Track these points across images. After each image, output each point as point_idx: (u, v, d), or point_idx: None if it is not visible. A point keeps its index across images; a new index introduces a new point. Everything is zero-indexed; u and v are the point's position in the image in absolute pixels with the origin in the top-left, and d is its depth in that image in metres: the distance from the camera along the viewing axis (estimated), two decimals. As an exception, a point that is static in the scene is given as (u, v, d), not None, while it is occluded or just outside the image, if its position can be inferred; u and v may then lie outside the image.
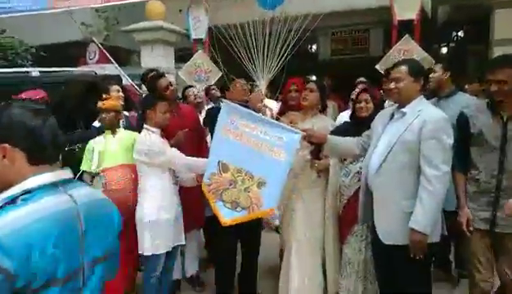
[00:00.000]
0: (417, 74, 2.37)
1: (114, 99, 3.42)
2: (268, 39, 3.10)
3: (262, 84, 3.25)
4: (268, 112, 3.23)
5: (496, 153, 2.43)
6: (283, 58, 3.16)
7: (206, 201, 3.15)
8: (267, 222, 3.88)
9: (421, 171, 2.24)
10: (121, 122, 3.72)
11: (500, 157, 2.43)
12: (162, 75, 3.59)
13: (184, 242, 3.15)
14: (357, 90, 4.34)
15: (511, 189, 2.42)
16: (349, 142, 2.74)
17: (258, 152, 2.72)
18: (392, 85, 2.39)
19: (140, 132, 3.03)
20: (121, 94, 3.74)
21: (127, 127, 3.72)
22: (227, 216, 2.75)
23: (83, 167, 3.24)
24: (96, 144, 3.26)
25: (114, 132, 3.30)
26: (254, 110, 3.14)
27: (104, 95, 3.44)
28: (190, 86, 4.38)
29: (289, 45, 3.14)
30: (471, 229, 2.53)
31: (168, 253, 3.03)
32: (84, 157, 3.27)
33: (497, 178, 2.44)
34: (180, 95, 4.67)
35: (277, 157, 2.69)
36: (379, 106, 3.04)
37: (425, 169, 2.22)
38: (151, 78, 3.55)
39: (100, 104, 3.27)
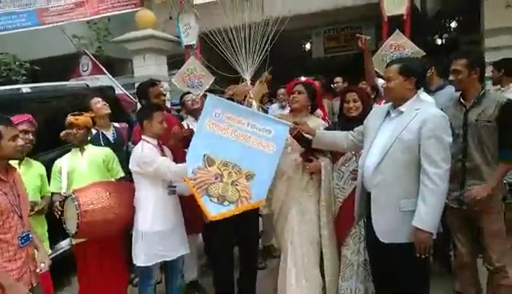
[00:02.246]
0: (408, 74, 2.36)
1: (86, 116, 3.27)
2: (249, 39, 3.17)
3: (247, 76, 3.26)
4: (254, 104, 3.22)
5: (460, 140, 2.67)
6: (263, 52, 3.24)
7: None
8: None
9: (422, 170, 2.24)
10: (111, 133, 3.72)
11: (463, 142, 2.68)
12: (154, 83, 3.63)
13: (188, 251, 3.15)
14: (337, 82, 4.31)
15: (474, 171, 2.67)
16: (338, 135, 2.78)
17: (245, 145, 2.72)
18: (385, 84, 2.43)
19: (127, 143, 3.02)
20: (104, 104, 3.69)
21: (116, 139, 3.73)
22: (214, 211, 2.75)
23: (52, 189, 3.08)
24: (64, 163, 3.12)
25: (82, 150, 3.19)
26: (240, 103, 3.14)
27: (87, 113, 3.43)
28: (189, 93, 4.33)
29: (268, 41, 3.20)
30: None
31: (170, 261, 3.04)
32: (52, 178, 3.11)
33: (462, 161, 2.69)
34: (178, 101, 4.69)
35: (266, 149, 2.70)
36: (367, 104, 3.03)
37: (427, 167, 2.21)
38: (144, 86, 3.56)
39: (72, 118, 3.14)
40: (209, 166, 2.74)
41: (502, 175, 2.64)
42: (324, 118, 3.39)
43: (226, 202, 2.73)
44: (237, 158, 2.72)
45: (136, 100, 4.66)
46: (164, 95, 3.63)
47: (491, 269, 2.68)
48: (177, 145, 3.31)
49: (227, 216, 2.75)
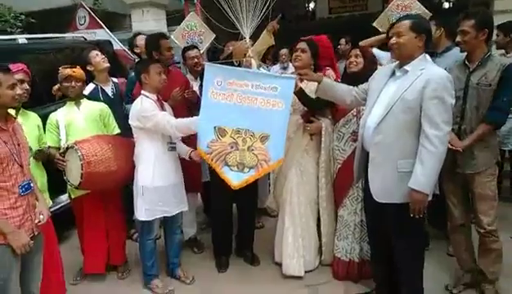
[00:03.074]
0: (420, 30, 2.30)
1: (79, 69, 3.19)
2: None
3: (247, 34, 3.17)
4: (254, 62, 3.15)
5: (460, 103, 2.64)
6: (264, 10, 3.14)
7: (205, 165, 3.16)
8: None
9: (422, 131, 2.21)
10: (110, 88, 3.66)
11: (462, 105, 2.66)
12: (166, 36, 3.55)
13: (187, 208, 3.18)
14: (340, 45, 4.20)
15: (470, 134, 2.64)
16: (344, 88, 2.72)
17: (253, 107, 2.69)
18: (393, 40, 2.32)
19: (126, 98, 2.97)
20: (103, 57, 3.59)
21: (115, 94, 3.67)
22: (236, 179, 2.76)
23: (49, 143, 3.03)
24: (60, 116, 3.07)
25: (78, 103, 3.15)
26: (240, 64, 3.07)
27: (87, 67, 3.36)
28: (193, 48, 4.08)
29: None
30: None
31: (169, 217, 3.08)
32: (47, 131, 3.06)
33: (459, 124, 2.68)
34: (178, 58, 4.56)
35: (275, 107, 2.67)
36: (370, 62, 2.98)
37: (427, 129, 2.19)
38: (156, 38, 3.41)
39: (69, 71, 3.08)
40: (222, 137, 2.73)
41: (482, 135, 2.60)
42: (336, 80, 3.32)
43: (246, 169, 2.73)
44: (248, 122, 2.70)
45: (135, 56, 4.56)
46: (172, 48, 3.52)
47: (482, 232, 2.71)
48: (179, 106, 3.27)
49: (250, 181, 2.77)
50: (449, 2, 10.33)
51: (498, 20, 4.33)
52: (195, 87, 3.71)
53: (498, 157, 2.80)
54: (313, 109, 3.09)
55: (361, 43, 3.66)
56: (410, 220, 2.28)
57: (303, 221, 3.14)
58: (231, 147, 2.73)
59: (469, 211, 2.86)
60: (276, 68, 5.64)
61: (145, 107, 2.85)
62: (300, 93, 2.90)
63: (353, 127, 2.97)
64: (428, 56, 2.38)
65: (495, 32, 3.95)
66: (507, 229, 3.45)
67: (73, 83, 3.09)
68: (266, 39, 3.56)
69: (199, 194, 3.96)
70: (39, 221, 2.22)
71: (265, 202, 4.33)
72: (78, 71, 3.13)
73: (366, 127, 2.46)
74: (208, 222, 4.09)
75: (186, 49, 4.10)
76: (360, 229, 3.03)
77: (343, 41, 5.59)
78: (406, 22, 2.32)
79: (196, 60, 3.88)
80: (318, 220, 3.21)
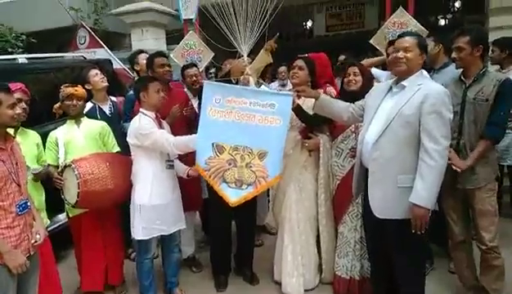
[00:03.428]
0: (422, 49, 2.37)
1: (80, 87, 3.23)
2: (248, 14, 3.12)
3: (244, 52, 3.22)
4: (252, 80, 3.17)
5: (457, 118, 2.65)
6: (261, 28, 3.19)
7: (204, 183, 3.15)
8: None
9: (422, 146, 2.22)
10: (108, 107, 3.67)
11: (460, 120, 2.68)
12: (162, 54, 3.61)
13: (185, 226, 3.16)
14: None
15: (468, 149, 2.66)
16: (341, 105, 2.74)
17: (251, 124, 2.70)
18: (401, 54, 2.34)
19: (124, 117, 2.97)
20: (102, 77, 3.62)
21: (113, 113, 3.68)
22: (234, 196, 2.75)
23: (48, 161, 3.04)
24: (60, 135, 3.08)
25: (78, 122, 3.17)
26: (237, 81, 3.09)
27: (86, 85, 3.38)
28: (192, 66, 4.11)
29: (266, 16, 3.14)
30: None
31: (167, 236, 3.05)
32: (47, 149, 3.07)
33: (457, 139, 2.69)
34: (177, 77, 4.59)
35: (273, 124, 2.69)
36: (367, 80, 3.00)
37: (426, 143, 2.19)
38: (150, 56, 3.54)
39: (71, 89, 3.11)
40: (220, 153, 2.73)
41: (483, 152, 2.61)
42: (337, 97, 3.34)
43: (244, 186, 2.73)
44: (246, 139, 2.71)
45: (134, 75, 4.60)
46: (169, 65, 3.55)
47: (484, 248, 2.69)
48: (177, 124, 3.29)
49: (248, 198, 2.76)
50: (445, 20, 10.49)
51: (493, 37, 4.40)
52: (194, 105, 3.73)
53: (497, 172, 2.80)
54: (311, 125, 3.10)
55: (363, 63, 3.69)
56: (411, 236, 2.27)
57: (303, 239, 3.12)
58: (229, 164, 2.73)
59: (469, 227, 2.85)
60: (275, 85, 5.68)
61: (143, 125, 2.85)
62: (298, 110, 2.92)
63: (352, 143, 2.97)
64: (425, 72, 2.41)
65: (490, 48, 4.00)
66: (509, 245, 3.41)
67: (74, 102, 3.11)
68: (264, 57, 3.59)
69: (197, 212, 3.93)
70: (36, 241, 2.20)
71: (264, 219, 4.31)
72: (80, 90, 3.16)
73: (364, 143, 2.46)
74: (206, 240, 4.05)
75: (185, 67, 4.14)
76: (360, 246, 3.00)
77: (341, 58, 5.62)
78: (413, 39, 2.36)
79: (195, 77, 3.91)
80: (318, 237, 3.18)
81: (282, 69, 5.54)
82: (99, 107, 3.60)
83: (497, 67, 4.21)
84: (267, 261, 3.44)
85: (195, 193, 3.45)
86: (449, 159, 2.50)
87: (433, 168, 2.18)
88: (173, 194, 3.03)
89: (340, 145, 3.06)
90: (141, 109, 2.97)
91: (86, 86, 3.46)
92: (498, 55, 4.11)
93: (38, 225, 2.27)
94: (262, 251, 3.79)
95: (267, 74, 5.38)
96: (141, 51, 4.39)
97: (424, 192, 2.19)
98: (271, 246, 3.62)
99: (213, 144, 2.74)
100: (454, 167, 2.57)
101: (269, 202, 3.94)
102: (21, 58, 4.24)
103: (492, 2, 5.91)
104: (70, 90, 3.11)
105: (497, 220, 2.70)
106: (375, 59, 4.11)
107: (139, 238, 2.94)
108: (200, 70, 4.88)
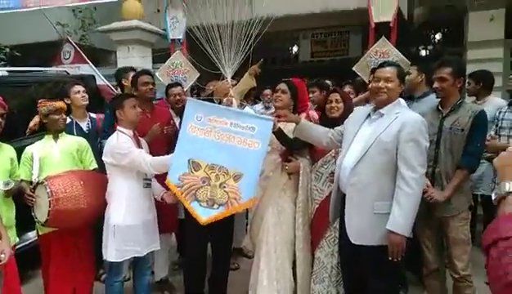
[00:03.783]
0: (402, 78, 2.45)
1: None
2: (234, 37, 3.15)
3: (228, 74, 3.23)
4: (235, 102, 3.19)
5: (433, 146, 2.70)
6: (246, 51, 3.22)
7: (179, 204, 3.11)
8: None
9: (399, 173, 2.25)
10: (86, 124, 3.64)
11: (436, 149, 2.72)
12: (146, 72, 3.63)
13: (159, 248, 3.09)
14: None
15: (443, 177, 2.71)
16: (320, 130, 2.78)
17: (230, 145, 2.68)
18: (382, 84, 2.40)
19: (103, 134, 2.94)
20: (83, 95, 3.61)
21: (91, 130, 3.64)
22: (204, 215, 2.70)
23: (22, 176, 2.97)
24: (36, 150, 3.01)
25: (56, 137, 3.11)
26: (220, 102, 3.10)
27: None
28: (177, 85, 4.14)
29: (251, 41, 3.18)
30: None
31: (140, 258, 2.97)
32: (22, 164, 2.99)
33: (432, 167, 2.73)
34: (161, 95, 4.58)
35: (251, 147, 2.67)
36: (348, 107, 3.04)
37: (403, 171, 2.22)
38: (135, 73, 3.56)
39: (61, 103, 3.09)
40: (195, 170, 2.70)
41: (459, 182, 2.66)
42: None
43: (215, 206, 2.69)
44: (223, 159, 2.69)
45: (118, 91, 4.57)
46: (153, 84, 3.55)
47: (456, 277, 2.71)
48: (157, 142, 3.27)
49: (219, 218, 2.71)
50: (426, 50, 10.80)
51: (470, 69, 4.55)
52: (177, 124, 3.72)
53: (471, 201, 2.84)
54: (292, 148, 3.11)
55: (354, 100, 3.76)
56: (387, 263, 2.28)
57: (279, 263, 3.07)
58: (203, 182, 2.70)
59: (443, 255, 2.87)
60: (259, 107, 5.71)
61: (120, 144, 2.81)
62: (279, 133, 2.93)
63: (332, 168, 2.98)
64: (402, 101, 2.47)
65: (467, 80, 4.13)
66: (481, 274, 3.40)
67: (63, 116, 3.09)
68: (248, 81, 3.62)
69: (173, 234, 3.87)
70: (0, 261, 2.11)
71: (242, 241, 4.25)
72: (63, 104, 3.15)
73: (342, 168, 2.48)
74: (181, 263, 3.97)
75: (169, 86, 4.15)
76: (337, 271, 2.98)
77: (328, 83, 5.66)
78: (394, 69, 2.43)
79: (178, 97, 3.92)
80: (294, 261, 3.14)
81: (267, 91, 5.58)
82: (76, 123, 3.57)
83: (473, 98, 4.33)
84: (243, 286, 3.37)
85: (171, 214, 3.40)
86: (425, 192, 2.55)
87: (410, 196, 2.21)
88: (149, 214, 2.97)
89: (320, 169, 3.07)
90: (118, 127, 2.92)
91: (65, 100, 3.42)
92: (473, 87, 4.25)
93: (4, 244, 2.18)
94: (238, 275, 3.73)
95: (251, 96, 5.41)
96: (131, 69, 4.38)
97: (401, 219, 2.21)
98: (247, 270, 3.56)
99: (189, 161, 2.71)
100: (431, 199, 2.61)
101: (247, 224, 3.91)
102: (2, 71, 4.18)
103: (470, 36, 6.14)
104: (60, 104, 3.08)
105: (470, 249, 2.72)
106: (363, 96, 4.20)
107: (111, 261, 2.85)
108: (185, 90, 4.90)
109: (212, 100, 3.29)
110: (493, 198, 1.11)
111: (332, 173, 2.94)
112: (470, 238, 2.74)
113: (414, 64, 3.59)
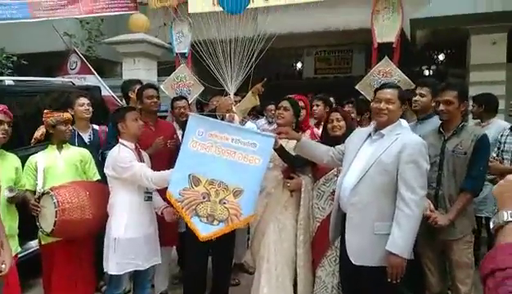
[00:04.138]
0: (403, 101, 2.46)
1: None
2: (237, 53, 3.17)
3: (231, 90, 3.25)
4: (237, 118, 3.21)
5: (435, 169, 2.70)
6: (249, 67, 3.24)
7: (180, 218, 3.11)
8: None
9: (399, 194, 2.26)
10: (88, 135, 3.66)
11: (439, 171, 2.72)
12: (151, 86, 3.66)
13: (160, 262, 3.09)
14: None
15: (446, 200, 2.69)
16: (321, 148, 2.80)
17: (231, 160, 2.69)
18: (383, 105, 2.41)
19: (106, 145, 2.96)
20: (87, 108, 3.64)
21: (92, 141, 3.66)
22: (204, 231, 2.69)
23: (26, 186, 2.96)
24: (40, 160, 3.01)
25: (60, 148, 3.12)
26: (223, 118, 3.14)
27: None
28: (182, 98, 4.19)
29: (254, 57, 3.20)
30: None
31: (140, 271, 2.96)
32: (25, 174, 2.98)
33: (435, 190, 2.72)
34: (165, 107, 4.62)
35: (252, 163, 2.68)
36: (350, 124, 3.07)
37: (404, 193, 2.23)
38: (141, 87, 3.61)
39: (69, 114, 3.13)
40: (196, 185, 2.70)
41: (463, 205, 2.66)
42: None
43: (215, 222, 2.68)
44: (223, 174, 2.69)
45: (123, 103, 4.60)
46: (158, 97, 3.60)
47: None
48: (160, 155, 3.28)
49: (218, 235, 2.70)
50: (429, 70, 10.88)
51: (474, 91, 4.59)
52: (180, 136, 3.75)
53: (475, 224, 2.84)
54: (293, 166, 3.12)
55: None
56: (387, 284, 2.26)
57: (280, 281, 3.05)
58: (203, 197, 2.70)
59: (446, 278, 2.84)
60: (262, 122, 5.74)
61: (122, 157, 2.82)
62: (281, 150, 2.95)
63: (333, 186, 2.98)
64: (404, 122, 2.49)
65: (470, 102, 4.17)
66: (484, 297, 3.40)
67: (70, 127, 3.12)
68: (251, 100, 3.65)
69: (174, 247, 3.85)
70: (0, 271, 2.11)
71: (242, 257, 4.23)
72: (70, 115, 3.18)
73: (342, 188, 2.49)
74: (181, 277, 3.95)
75: (175, 99, 4.20)
76: (337, 291, 2.95)
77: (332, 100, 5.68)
78: (395, 90, 2.45)
79: (183, 110, 3.95)
80: (295, 279, 3.13)
81: (270, 107, 5.61)
82: (78, 134, 3.59)
83: (478, 121, 4.37)
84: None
85: (172, 228, 3.38)
86: (429, 217, 2.55)
87: (410, 217, 2.22)
88: (150, 228, 2.97)
89: (322, 187, 3.08)
90: (120, 140, 2.94)
91: (69, 111, 3.45)
92: (477, 109, 4.29)
93: (5, 254, 2.17)
94: (238, 291, 3.70)
95: (254, 111, 5.46)
96: (137, 82, 4.43)
97: (401, 241, 2.21)
98: (247, 285, 3.54)
99: (189, 176, 2.72)
100: (434, 224, 2.60)
101: (249, 239, 3.89)
102: (8, 80, 4.22)
103: (473, 58, 6.20)
104: (68, 115, 3.11)
105: (473, 273, 2.70)
106: None
107: (112, 273, 2.85)
108: (190, 103, 4.95)
109: (214, 116, 3.32)
110: (491, 226, 1.10)
111: (334, 191, 2.94)
112: (474, 262, 2.73)
113: (425, 85, 3.53)
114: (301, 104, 3.39)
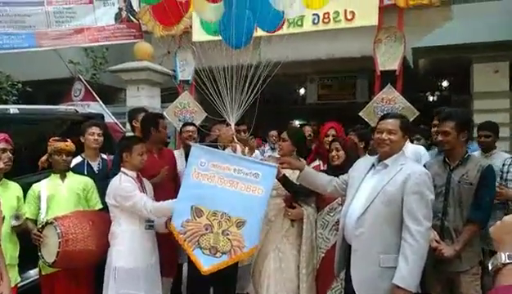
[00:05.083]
0: (406, 131, 2.44)
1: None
2: (240, 82, 3.17)
3: (232, 121, 3.25)
4: (239, 148, 3.19)
5: (441, 199, 2.68)
6: (251, 97, 3.23)
7: (180, 249, 3.05)
8: None
9: (404, 226, 2.22)
10: (97, 164, 3.64)
11: (444, 201, 2.69)
12: (162, 116, 3.76)
13: (161, 293, 3.02)
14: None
15: (452, 230, 2.66)
16: (324, 178, 2.78)
17: (233, 191, 2.67)
18: (385, 136, 2.40)
19: (112, 172, 2.94)
20: (97, 137, 3.62)
21: (101, 170, 3.64)
22: (207, 264, 2.65)
23: (27, 215, 2.92)
24: (43, 188, 3.00)
25: (63, 176, 3.11)
26: (224, 148, 3.12)
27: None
28: (191, 124, 4.24)
29: (258, 85, 3.20)
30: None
31: None
32: (27, 202, 2.95)
33: (441, 220, 2.70)
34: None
35: (255, 193, 2.65)
36: (350, 151, 3.06)
37: (409, 224, 2.20)
38: (155, 116, 3.65)
39: (62, 144, 3.09)
40: (198, 217, 2.67)
41: (470, 236, 2.62)
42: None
43: (218, 254, 2.63)
44: (226, 206, 2.66)
45: (125, 130, 4.60)
46: (165, 127, 3.64)
47: None
48: (162, 185, 3.26)
49: (221, 267, 2.65)
50: (433, 96, 10.92)
51: (479, 119, 4.55)
52: (183, 166, 3.73)
53: (481, 255, 2.77)
54: (297, 195, 3.07)
55: None
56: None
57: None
58: (206, 229, 2.66)
59: None
60: (265, 148, 5.73)
61: (123, 187, 2.81)
62: (284, 179, 2.91)
63: (338, 216, 2.93)
64: (410, 151, 2.47)
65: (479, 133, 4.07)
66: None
67: (64, 157, 3.09)
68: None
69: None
70: None
71: (246, 287, 4.12)
72: (70, 145, 3.15)
73: (347, 218, 2.46)
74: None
75: (185, 124, 4.29)
76: (342, 325, 2.87)
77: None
78: (396, 121, 2.43)
79: (191, 133, 4.02)
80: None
81: (272, 132, 5.63)
82: (88, 163, 3.57)
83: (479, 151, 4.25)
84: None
85: (171, 259, 3.33)
86: (435, 249, 2.50)
87: (416, 249, 2.18)
88: (152, 258, 2.93)
89: (326, 217, 3.03)
90: (122, 168, 2.93)
91: (80, 138, 3.45)
92: (484, 140, 4.04)
93: (4, 287, 2.13)
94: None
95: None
96: (142, 110, 4.46)
97: (408, 274, 2.17)
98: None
99: (192, 207, 2.69)
100: (441, 255, 2.55)
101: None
102: (13, 108, 4.24)
103: (476, 86, 6.21)
104: (61, 145, 3.09)
105: None
106: None
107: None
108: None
109: (216, 147, 3.30)
110: (490, 268, 1.08)
111: (338, 221, 2.89)
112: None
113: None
114: (307, 132, 3.38)
